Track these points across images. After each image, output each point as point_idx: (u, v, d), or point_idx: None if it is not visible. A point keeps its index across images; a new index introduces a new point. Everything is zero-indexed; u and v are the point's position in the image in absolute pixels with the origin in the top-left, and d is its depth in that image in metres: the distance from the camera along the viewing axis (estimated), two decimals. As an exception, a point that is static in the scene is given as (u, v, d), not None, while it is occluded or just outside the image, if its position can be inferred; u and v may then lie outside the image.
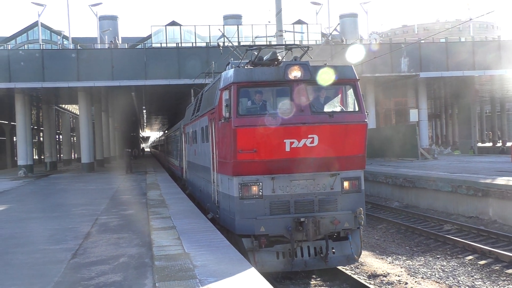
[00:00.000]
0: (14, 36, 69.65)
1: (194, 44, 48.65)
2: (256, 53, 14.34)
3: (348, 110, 12.95)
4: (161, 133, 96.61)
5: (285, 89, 12.53)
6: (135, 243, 12.14)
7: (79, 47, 42.68)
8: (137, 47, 49.31)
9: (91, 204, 20.07)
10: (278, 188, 12.28)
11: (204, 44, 46.97)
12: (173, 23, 59.76)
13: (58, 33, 66.33)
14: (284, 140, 11.90)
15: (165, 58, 38.70)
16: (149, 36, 56.84)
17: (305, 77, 12.35)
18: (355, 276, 13.50)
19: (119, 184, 29.74)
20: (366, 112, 12.97)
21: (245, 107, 12.53)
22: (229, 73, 12.94)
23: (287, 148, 11.93)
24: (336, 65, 13.38)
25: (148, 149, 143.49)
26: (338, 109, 13.02)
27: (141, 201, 20.59)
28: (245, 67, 13.79)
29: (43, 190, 28.37)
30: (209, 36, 52.45)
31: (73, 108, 65.78)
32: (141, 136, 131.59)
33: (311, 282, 13.37)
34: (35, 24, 59.74)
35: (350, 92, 12.95)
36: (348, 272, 13.98)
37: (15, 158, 50.88)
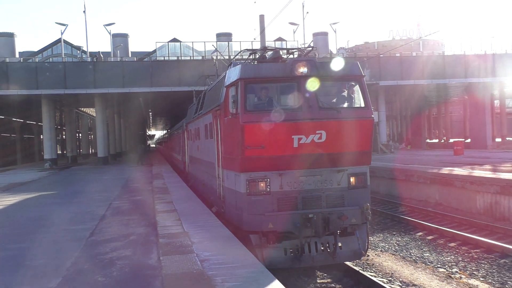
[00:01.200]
0: (40, 51, 68.98)
1: (192, 57, 48.45)
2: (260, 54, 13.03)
3: (355, 106, 11.25)
4: (164, 131, 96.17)
5: (292, 85, 10.90)
6: (142, 223, 12.12)
7: (95, 60, 42.32)
8: (144, 60, 48.95)
9: (106, 191, 20.00)
10: (286, 184, 10.59)
11: (200, 58, 46.85)
12: (174, 40, 59.46)
13: (77, 48, 65.70)
14: (292, 136, 10.32)
15: (167, 69, 38.64)
16: (154, 51, 56.44)
17: (312, 73, 10.71)
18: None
19: (129, 174, 29.62)
20: (372, 108, 11.42)
21: (253, 103, 10.81)
22: (236, 69, 11.17)
23: (295, 144, 10.35)
24: (341, 61, 11.48)
25: (153, 145, 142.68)
26: (344, 105, 11.27)
27: (147, 189, 20.54)
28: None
29: (65, 179, 28.22)
30: (204, 51, 52.23)
31: (90, 111, 65.39)
32: (147, 134, 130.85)
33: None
34: (58, 41, 59.17)
35: (356, 88, 11.26)
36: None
37: (42, 153, 50.54)
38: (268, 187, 10.53)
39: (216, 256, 8.28)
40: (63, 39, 53.03)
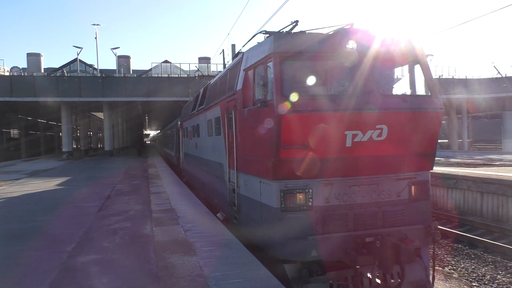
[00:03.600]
0: (61, 67, 67.12)
1: (179, 75, 48.03)
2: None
3: (418, 94, 6.90)
4: (158, 131, 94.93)
5: (343, 63, 6.36)
6: (139, 202, 11.94)
7: (104, 75, 41.63)
8: (142, 76, 48.22)
9: (111, 177, 19.60)
10: (333, 196, 6.32)
11: (186, 75, 46.53)
12: (165, 61, 58.73)
13: (90, 65, 64.18)
14: (346, 132, 6.04)
15: (160, 84, 38.45)
16: (150, 69, 55.72)
17: (369, 49, 6.39)
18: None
19: (130, 164, 29.11)
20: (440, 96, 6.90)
21: (293, 87, 6.18)
22: (265, 43, 6.66)
23: (348, 143, 6.11)
24: (400, 36, 6.78)
25: (148, 142, 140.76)
26: (406, 92, 6.98)
27: (143, 175, 20.24)
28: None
29: (79, 167, 27.52)
30: (189, 70, 51.73)
31: (100, 115, 64.14)
32: (144, 133, 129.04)
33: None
34: (75, 60, 57.57)
35: (419, 71, 6.93)
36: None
37: (61, 147, 49.52)
38: (310, 200, 6.27)
39: (196, 227, 8.23)
40: (79, 59, 51.90)
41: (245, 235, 7.66)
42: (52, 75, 46.01)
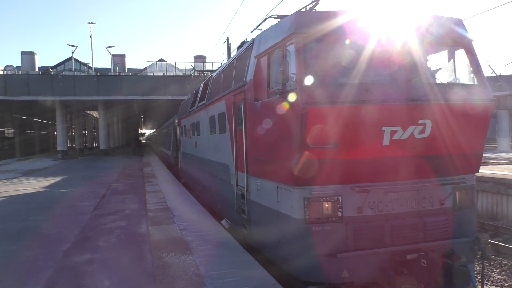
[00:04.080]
0: (55, 66, 66.75)
1: (174, 74, 47.94)
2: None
3: (463, 83, 5.90)
4: (153, 130, 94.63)
5: (379, 46, 5.27)
6: (135, 201, 11.90)
7: (99, 74, 41.49)
8: (138, 75, 48.08)
9: (106, 176, 19.52)
10: (367, 205, 5.31)
11: (181, 74, 46.46)
12: (161, 60, 58.69)
13: (85, 64, 63.90)
14: (383, 128, 5.05)
15: (155, 82, 38.33)
16: (146, 68, 55.57)
17: (408, 30, 5.38)
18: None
19: (125, 163, 29.01)
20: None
21: (320, 73, 5.17)
22: (284, 23, 5.60)
23: (385, 141, 5.10)
24: (442, 17, 5.79)
25: (144, 141, 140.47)
26: (450, 80, 6.03)
27: (139, 174, 20.17)
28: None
29: (74, 166, 27.40)
30: (185, 69, 51.75)
31: (94, 114, 63.89)
32: (139, 132, 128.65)
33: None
34: (69, 59, 57.36)
35: (463, 56, 5.86)
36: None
37: (55, 145, 49.32)
38: (340, 210, 5.23)
39: (192, 226, 8.22)
40: (74, 57, 51.65)
41: (257, 247, 6.73)
42: (46, 73, 45.76)
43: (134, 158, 34.58)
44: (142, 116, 71.14)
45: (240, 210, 7.54)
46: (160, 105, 43.69)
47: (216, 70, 10.99)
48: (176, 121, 20.91)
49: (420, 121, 5.14)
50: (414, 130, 5.16)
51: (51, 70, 50.48)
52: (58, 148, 40.74)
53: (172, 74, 46.93)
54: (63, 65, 66.08)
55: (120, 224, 8.73)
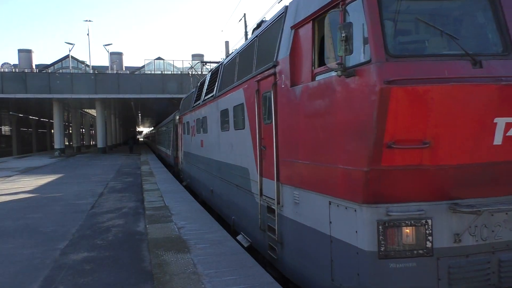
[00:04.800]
0: (52, 64, 66.54)
1: (172, 72, 47.89)
2: None
3: None
4: (151, 128, 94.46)
5: (482, 5, 3.62)
6: (133, 199, 11.89)
7: (96, 72, 41.40)
8: (135, 73, 47.99)
9: (104, 174, 19.51)
10: (467, 231, 3.63)
11: (179, 73, 46.45)
12: (159, 58, 58.67)
13: (82, 62, 63.73)
14: (496, 120, 3.34)
15: (153, 80, 38.30)
16: (143, 66, 55.49)
17: None
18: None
19: (122, 161, 28.98)
20: None
21: (405, 39, 3.60)
22: None
23: (497, 139, 3.39)
24: None
25: (141, 139, 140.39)
26: None
27: (136, 172, 20.16)
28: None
29: (72, 165, 27.34)
30: (182, 67, 51.65)
31: (92, 111, 63.82)
32: (137, 130, 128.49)
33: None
34: (66, 56, 57.24)
35: None
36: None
37: (52, 143, 49.20)
38: (429, 239, 3.62)
39: (190, 224, 8.21)
40: (71, 55, 51.53)
41: (293, 279, 5.10)
42: (44, 71, 45.67)
43: (132, 157, 34.56)
44: (139, 115, 71.02)
45: (266, 227, 5.89)
46: (157, 103, 43.70)
47: (227, 56, 9.54)
48: (177, 117, 18.72)
49: None
50: None
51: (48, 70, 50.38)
52: (55, 146, 40.72)
53: (169, 72, 46.88)
54: (60, 63, 65.93)
55: (117, 223, 8.71)
